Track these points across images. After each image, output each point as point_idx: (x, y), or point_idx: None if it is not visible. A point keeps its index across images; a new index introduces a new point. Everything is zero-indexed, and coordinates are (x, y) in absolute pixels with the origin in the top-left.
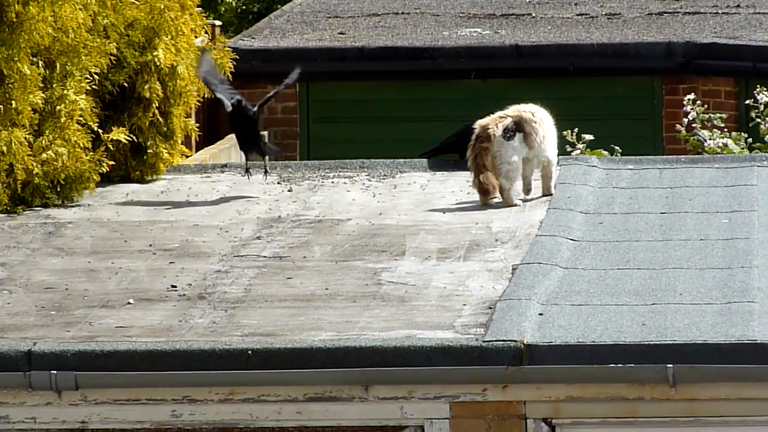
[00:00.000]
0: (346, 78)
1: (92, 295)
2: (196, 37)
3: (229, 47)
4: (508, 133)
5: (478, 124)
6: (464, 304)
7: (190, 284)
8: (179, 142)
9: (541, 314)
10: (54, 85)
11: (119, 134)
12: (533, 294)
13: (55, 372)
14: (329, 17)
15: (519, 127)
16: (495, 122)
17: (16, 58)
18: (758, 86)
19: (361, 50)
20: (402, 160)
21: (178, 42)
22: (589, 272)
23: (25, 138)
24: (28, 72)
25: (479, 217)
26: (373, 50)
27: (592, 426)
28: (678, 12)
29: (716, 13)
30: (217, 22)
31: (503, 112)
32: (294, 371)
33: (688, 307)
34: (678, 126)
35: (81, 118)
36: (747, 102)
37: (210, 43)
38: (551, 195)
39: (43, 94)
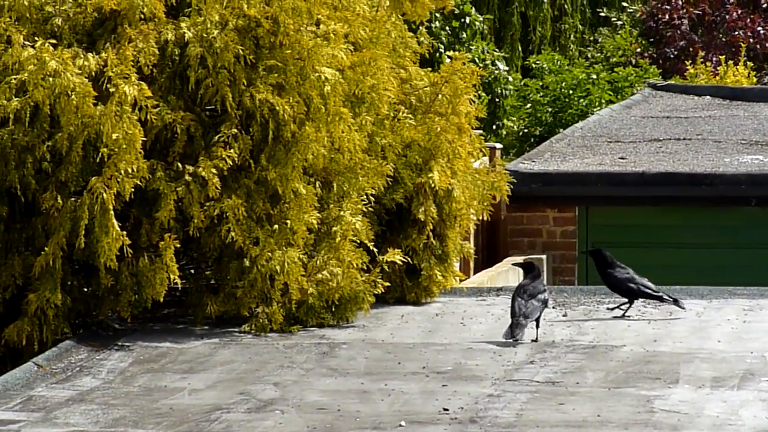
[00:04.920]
0: (626, 203)
1: (364, 417)
2: (474, 159)
3: (508, 170)
4: None
5: None
6: None
7: (462, 407)
8: (453, 264)
9: None
10: (330, 206)
11: (394, 256)
12: None
13: None
14: (610, 142)
15: None
16: None
17: (291, 178)
18: None
19: (641, 175)
20: (678, 286)
21: (455, 164)
22: None
23: (300, 258)
24: (304, 192)
25: (754, 345)
26: (654, 176)
27: None
28: None
29: None
30: (498, 145)
31: None
32: None
33: None
34: None
35: (356, 239)
36: None
37: (487, 166)
38: None
39: (319, 215)
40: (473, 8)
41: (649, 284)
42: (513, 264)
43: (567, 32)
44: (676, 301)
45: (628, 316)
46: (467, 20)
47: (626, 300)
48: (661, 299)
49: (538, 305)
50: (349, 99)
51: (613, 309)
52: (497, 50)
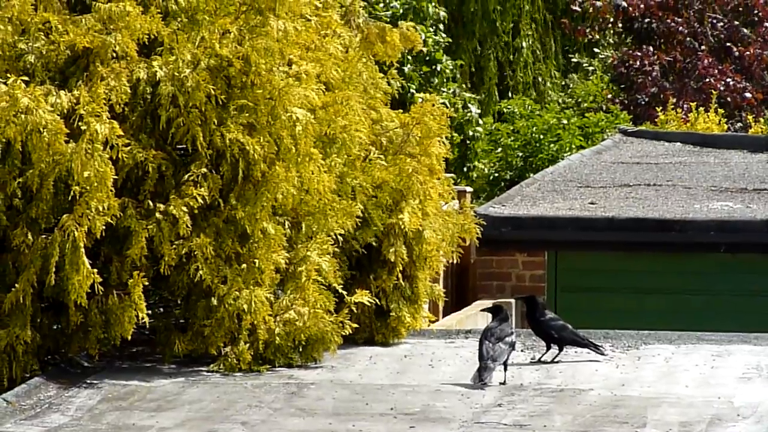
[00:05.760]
0: (596, 248)
1: None
2: (444, 202)
3: (478, 213)
4: None
5: None
6: None
7: None
8: (423, 306)
9: None
10: (298, 246)
11: (363, 297)
12: None
13: None
14: (580, 186)
15: None
16: None
17: (259, 217)
18: None
19: (611, 221)
20: (647, 331)
21: (426, 206)
22: None
23: (267, 297)
24: (272, 231)
25: (722, 391)
26: (623, 221)
27: None
28: None
29: None
30: (468, 188)
31: None
32: None
33: None
34: None
35: (321, 279)
36: None
37: (456, 209)
38: None
39: (287, 254)
40: (444, 55)
41: (578, 332)
42: (481, 309)
43: (543, 77)
44: (596, 348)
45: (558, 361)
46: (438, 67)
47: (556, 347)
48: (587, 346)
49: (506, 348)
50: (320, 139)
51: (540, 358)
52: (470, 93)
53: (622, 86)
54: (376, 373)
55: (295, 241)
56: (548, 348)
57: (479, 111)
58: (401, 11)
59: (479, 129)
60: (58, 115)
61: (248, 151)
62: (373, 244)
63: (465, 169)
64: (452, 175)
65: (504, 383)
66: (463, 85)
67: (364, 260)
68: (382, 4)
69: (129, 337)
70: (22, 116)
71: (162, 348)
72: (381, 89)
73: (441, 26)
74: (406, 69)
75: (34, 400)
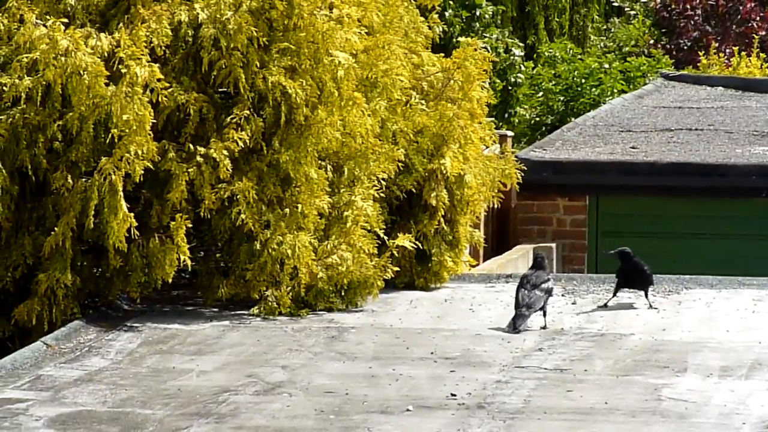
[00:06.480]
0: (637, 192)
1: (372, 401)
2: (485, 146)
3: (519, 158)
4: None
5: None
6: (743, 423)
7: (470, 393)
8: (464, 251)
9: None
10: (341, 190)
11: (404, 241)
12: None
13: None
14: (622, 131)
15: None
16: None
17: (303, 162)
18: None
19: (652, 165)
20: (688, 276)
21: (467, 150)
22: None
23: (310, 242)
24: (315, 176)
25: (763, 335)
26: (665, 165)
27: None
28: None
29: None
30: (509, 133)
31: None
32: None
33: None
34: None
35: (367, 224)
36: None
37: (497, 153)
38: None
39: (330, 199)
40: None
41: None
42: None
43: (586, 21)
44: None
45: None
46: (478, 12)
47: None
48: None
49: (542, 294)
50: (362, 84)
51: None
52: (515, 38)
53: (664, 31)
54: (416, 318)
55: (338, 186)
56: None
57: (522, 54)
58: None
59: (520, 75)
60: (98, 57)
61: (290, 94)
62: (413, 190)
63: (506, 115)
64: (493, 119)
65: (545, 327)
66: (506, 31)
67: (405, 205)
68: None
69: (170, 281)
70: (62, 59)
71: (203, 292)
72: (422, 33)
73: None
74: (446, 14)
75: (74, 343)
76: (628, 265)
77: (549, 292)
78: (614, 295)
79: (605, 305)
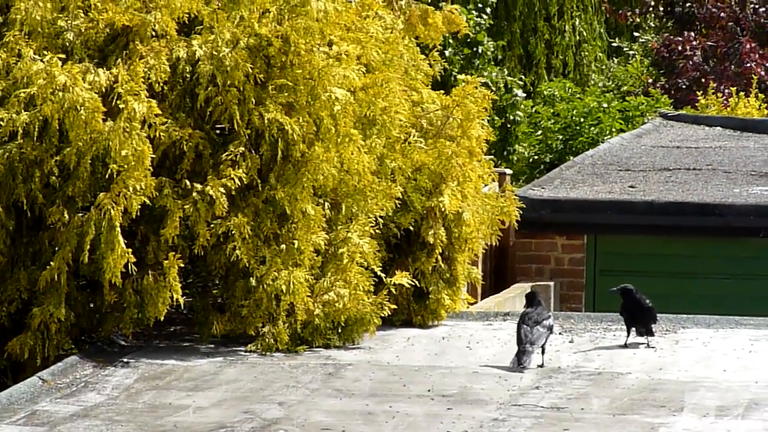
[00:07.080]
0: (635, 231)
1: None
2: (484, 184)
3: (517, 196)
4: None
5: None
6: None
7: (467, 431)
8: (462, 288)
9: None
10: (338, 227)
11: (402, 278)
12: None
13: None
14: (620, 170)
15: None
16: None
17: (299, 198)
18: None
19: (650, 204)
20: (685, 315)
21: (465, 188)
22: None
23: (306, 278)
24: (312, 212)
25: (760, 375)
26: (663, 205)
27: None
28: None
29: None
30: (508, 171)
31: None
32: None
33: None
34: None
35: (363, 261)
36: None
37: (496, 191)
38: None
39: (326, 236)
40: (486, 36)
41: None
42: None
43: (588, 59)
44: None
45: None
46: (479, 49)
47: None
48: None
49: (544, 331)
50: (360, 121)
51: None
52: (519, 76)
53: (662, 71)
54: (413, 355)
55: (335, 223)
56: (647, 333)
57: (524, 95)
58: None
59: (519, 113)
60: (96, 93)
61: (287, 131)
62: (411, 227)
63: (505, 152)
64: (492, 157)
65: (542, 366)
66: (505, 69)
67: (403, 243)
68: None
69: (162, 318)
70: (60, 94)
71: (199, 327)
72: (422, 71)
73: (488, 9)
74: (447, 52)
75: (70, 378)
76: (630, 301)
77: (550, 329)
78: (628, 334)
79: (625, 345)
